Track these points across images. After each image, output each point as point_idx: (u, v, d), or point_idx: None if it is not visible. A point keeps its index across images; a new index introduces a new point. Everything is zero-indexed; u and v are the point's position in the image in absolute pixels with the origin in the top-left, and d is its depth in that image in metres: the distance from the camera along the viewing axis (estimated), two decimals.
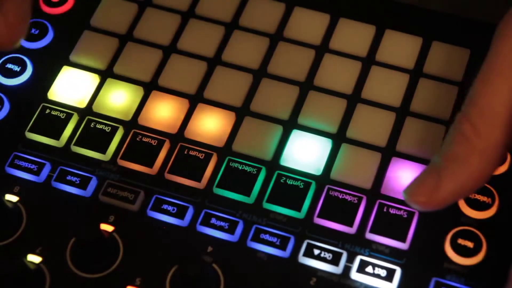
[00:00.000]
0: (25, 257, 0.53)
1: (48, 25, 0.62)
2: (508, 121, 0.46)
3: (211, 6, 0.62)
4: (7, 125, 0.59)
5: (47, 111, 0.58)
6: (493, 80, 0.47)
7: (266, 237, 0.53)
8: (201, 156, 0.56)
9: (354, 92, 0.58)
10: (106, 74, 0.60)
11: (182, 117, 0.58)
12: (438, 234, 0.52)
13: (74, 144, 0.57)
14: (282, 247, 0.53)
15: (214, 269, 0.52)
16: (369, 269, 0.52)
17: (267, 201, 0.54)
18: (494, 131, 0.46)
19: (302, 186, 0.54)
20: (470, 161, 0.46)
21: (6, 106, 0.59)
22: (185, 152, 0.56)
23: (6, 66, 0.61)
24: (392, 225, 0.53)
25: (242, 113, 0.58)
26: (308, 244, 0.53)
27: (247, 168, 0.55)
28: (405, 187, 0.48)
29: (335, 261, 0.52)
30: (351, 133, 0.56)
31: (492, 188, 0.54)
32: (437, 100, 0.57)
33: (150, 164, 0.56)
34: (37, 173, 0.56)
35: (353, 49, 0.60)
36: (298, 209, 0.54)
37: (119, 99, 0.59)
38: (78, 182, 0.56)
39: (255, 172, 0.55)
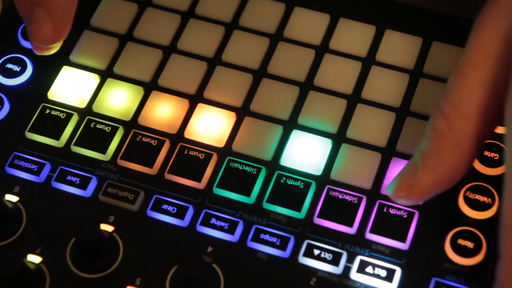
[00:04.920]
0: (25, 257, 0.53)
1: None
2: (481, 113, 0.46)
3: (211, 6, 0.62)
4: (7, 125, 0.59)
5: (47, 111, 0.58)
6: (465, 73, 0.47)
7: (266, 237, 0.53)
8: (201, 156, 0.56)
9: (354, 92, 0.58)
10: (106, 74, 0.60)
11: (182, 117, 0.58)
12: (438, 234, 0.52)
13: (74, 144, 0.57)
14: (282, 247, 0.53)
15: (214, 269, 0.52)
16: (369, 269, 0.52)
17: (267, 201, 0.54)
18: (467, 124, 0.46)
19: (302, 186, 0.54)
20: (444, 155, 0.46)
21: (6, 106, 0.59)
22: (185, 152, 0.56)
23: (6, 66, 0.61)
24: (392, 225, 0.53)
25: (242, 113, 0.58)
26: (308, 244, 0.53)
27: (247, 168, 0.55)
28: (388, 184, 0.49)
29: (335, 261, 0.52)
30: (351, 133, 0.56)
31: (492, 188, 0.53)
32: (438, 100, 0.57)
33: (150, 164, 0.56)
34: (37, 173, 0.56)
35: (353, 49, 0.60)
36: (298, 209, 0.54)
37: (119, 99, 0.59)
38: (78, 182, 0.56)
39: (255, 172, 0.55)
